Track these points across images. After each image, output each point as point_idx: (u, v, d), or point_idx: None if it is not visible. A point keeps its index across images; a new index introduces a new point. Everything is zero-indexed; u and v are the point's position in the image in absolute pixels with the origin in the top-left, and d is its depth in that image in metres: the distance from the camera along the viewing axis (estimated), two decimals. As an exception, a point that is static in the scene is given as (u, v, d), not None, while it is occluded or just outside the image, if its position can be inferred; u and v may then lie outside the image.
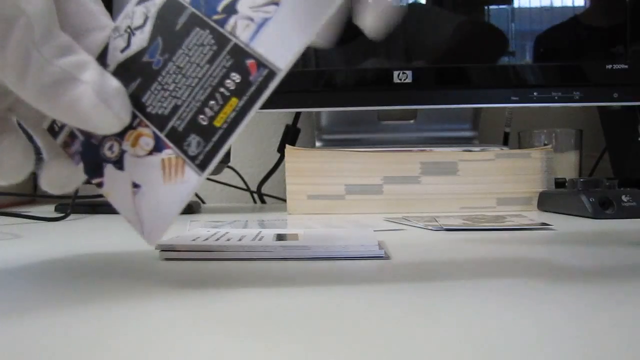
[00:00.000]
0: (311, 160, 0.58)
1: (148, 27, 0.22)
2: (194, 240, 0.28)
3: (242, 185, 0.88)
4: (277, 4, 0.20)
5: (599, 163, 0.86)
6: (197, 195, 0.85)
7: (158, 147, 0.21)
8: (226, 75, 0.20)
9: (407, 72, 0.61)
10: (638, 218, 0.45)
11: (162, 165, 0.21)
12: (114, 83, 0.21)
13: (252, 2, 0.21)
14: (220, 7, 0.21)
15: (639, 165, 0.72)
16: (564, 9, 0.65)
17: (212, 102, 0.20)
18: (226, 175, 0.85)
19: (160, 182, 0.21)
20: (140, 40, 0.22)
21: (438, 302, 0.18)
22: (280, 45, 0.20)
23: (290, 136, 0.81)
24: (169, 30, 0.22)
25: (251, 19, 0.20)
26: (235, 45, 0.20)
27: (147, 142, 0.21)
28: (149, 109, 0.22)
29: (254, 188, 0.87)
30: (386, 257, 0.27)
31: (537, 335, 0.14)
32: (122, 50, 0.23)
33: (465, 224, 0.41)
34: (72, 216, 0.52)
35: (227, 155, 0.68)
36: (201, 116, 0.21)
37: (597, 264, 0.24)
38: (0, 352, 0.13)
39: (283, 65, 0.20)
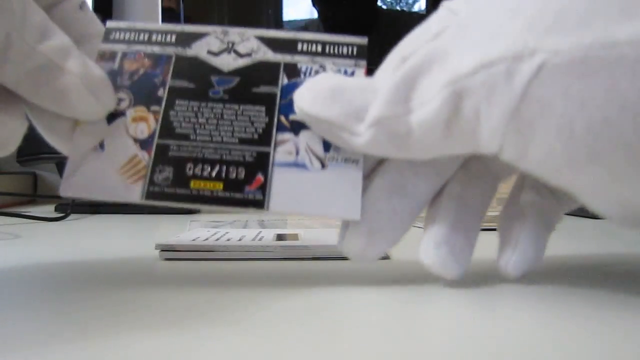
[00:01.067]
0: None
1: (241, 62, 0.22)
2: (194, 240, 0.28)
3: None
4: (323, 166, 0.20)
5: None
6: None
7: (143, 143, 0.21)
8: (238, 164, 0.20)
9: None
10: (638, 218, 0.45)
11: (130, 157, 0.20)
12: (99, 72, 0.20)
13: (311, 143, 0.21)
14: (291, 117, 0.21)
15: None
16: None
17: (206, 166, 0.20)
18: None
19: (118, 166, 0.20)
20: (227, 61, 0.22)
21: (438, 302, 0.18)
22: (293, 203, 0.20)
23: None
24: (249, 83, 0.22)
25: (296, 154, 0.20)
26: (267, 154, 0.20)
27: (143, 130, 0.21)
28: (171, 112, 0.21)
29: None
30: (386, 257, 0.27)
31: (537, 335, 0.14)
32: (208, 52, 0.22)
33: (465, 223, 0.40)
34: (72, 216, 0.52)
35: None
36: (189, 165, 0.20)
37: (596, 264, 0.24)
38: None
39: (274, 209, 0.20)
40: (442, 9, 0.21)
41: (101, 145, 0.21)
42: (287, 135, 0.21)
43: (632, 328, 0.15)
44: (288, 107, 0.21)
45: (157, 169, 0.20)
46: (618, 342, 0.14)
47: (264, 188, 0.20)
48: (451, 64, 0.17)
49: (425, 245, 0.20)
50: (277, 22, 0.69)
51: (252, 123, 0.21)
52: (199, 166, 0.20)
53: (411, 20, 0.66)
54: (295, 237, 0.30)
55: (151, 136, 0.21)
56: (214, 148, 0.20)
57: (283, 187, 0.20)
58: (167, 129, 0.21)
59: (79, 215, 0.55)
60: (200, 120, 0.21)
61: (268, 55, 0.22)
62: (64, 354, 0.13)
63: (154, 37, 0.23)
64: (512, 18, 0.16)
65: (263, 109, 0.21)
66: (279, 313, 0.17)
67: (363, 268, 0.24)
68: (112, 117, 0.21)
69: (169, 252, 0.27)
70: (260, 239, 0.29)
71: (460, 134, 0.17)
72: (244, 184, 0.20)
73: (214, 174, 0.20)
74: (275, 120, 0.21)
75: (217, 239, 0.29)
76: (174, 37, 0.23)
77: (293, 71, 0.22)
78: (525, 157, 0.17)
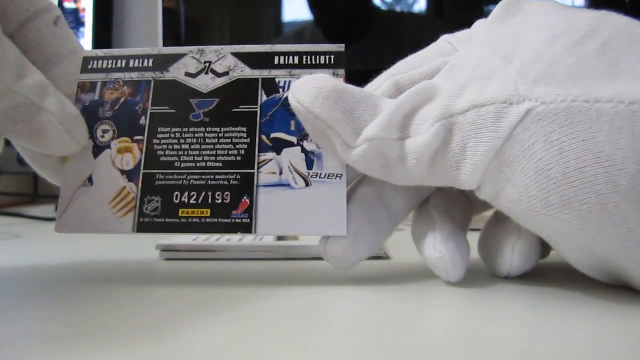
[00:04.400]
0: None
1: (219, 81, 0.22)
2: (194, 240, 0.29)
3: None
4: (307, 183, 0.20)
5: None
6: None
7: (130, 175, 0.21)
8: (223, 188, 0.20)
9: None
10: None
11: (119, 190, 0.21)
12: (73, 110, 0.21)
13: (294, 161, 0.21)
14: (273, 136, 0.21)
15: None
16: (563, 9, 0.65)
17: (193, 193, 0.20)
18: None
19: (107, 200, 0.21)
20: (206, 82, 0.22)
21: (438, 302, 0.18)
22: (279, 223, 0.20)
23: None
24: (228, 102, 0.22)
25: (279, 173, 0.20)
26: (251, 175, 0.20)
27: (129, 161, 0.21)
28: (154, 141, 0.21)
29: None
30: (386, 257, 0.27)
31: (536, 334, 0.14)
32: (186, 74, 0.22)
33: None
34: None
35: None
36: (176, 193, 0.20)
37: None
38: None
39: (261, 231, 0.20)
40: (441, 41, 0.22)
41: (90, 180, 0.21)
42: (270, 155, 0.21)
43: (631, 327, 0.15)
44: (269, 126, 0.21)
45: (146, 199, 0.20)
46: (617, 340, 0.14)
47: (250, 211, 0.20)
48: (446, 100, 0.18)
49: (432, 241, 0.20)
50: (277, 22, 0.69)
51: (234, 145, 0.21)
52: (186, 194, 0.20)
53: (411, 20, 0.66)
54: (295, 237, 0.30)
55: (137, 166, 0.21)
56: (199, 174, 0.21)
57: (269, 208, 0.20)
58: (151, 158, 0.21)
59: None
60: (184, 146, 0.21)
61: (245, 72, 0.22)
62: (64, 354, 0.13)
63: (131, 63, 0.23)
64: (507, 64, 0.17)
65: (244, 129, 0.21)
66: (279, 312, 0.17)
67: (363, 268, 0.24)
68: (98, 150, 0.21)
69: (170, 252, 0.27)
70: (260, 239, 0.29)
71: (443, 168, 0.18)
72: (230, 208, 0.20)
73: (200, 200, 0.20)
74: (257, 140, 0.21)
75: (217, 239, 0.29)
76: (150, 61, 0.23)
77: (271, 86, 0.22)
78: (502, 196, 0.17)
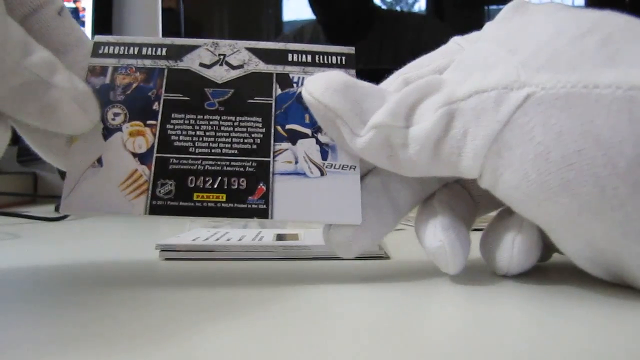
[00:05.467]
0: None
1: (234, 73, 0.22)
2: (194, 240, 0.28)
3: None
4: (322, 173, 0.21)
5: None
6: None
7: (142, 158, 0.21)
8: (239, 174, 0.20)
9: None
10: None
11: (131, 172, 0.20)
12: (84, 86, 0.20)
13: (309, 151, 0.21)
14: (288, 127, 0.21)
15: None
16: (563, 9, 0.65)
17: (208, 178, 0.20)
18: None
19: (118, 182, 0.20)
20: (220, 73, 0.22)
21: (438, 302, 0.18)
22: (295, 210, 0.20)
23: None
24: (243, 94, 0.22)
25: (295, 162, 0.21)
26: (267, 163, 0.21)
27: (141, 144, 0.21)
28: (168, 126, 0.21)
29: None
30: (386, 257, 0.27)
31: (537, 333, 0.14)
32: (201, 64, 0.22)
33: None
34: (71, 216, 0.52)
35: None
36: (191, 177, 0.20)
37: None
38: None
39: (278, 217, 0.20)
40: (451, 43, 0.23)
41: (99, 162, 0.21)
42: (285, 145, 0.21)
43: (632, 326, 0.15)
44: (284, 117, 0.21)
45: (159, 182, 0.20)
46: (617, 338, 0.14)
47: (266, 197, 0.20)
48: (449, 88, 0.18)
49: (433, 230, 0.20)
50: (277, 22, 0.69)
51: (250, 134, 0.21)
52: (201, 178, 0.20)
53: (411, 20, 0.66)
54: (295, 237, 0.30)
55: (150, 150, 0.21)
56: (214, 160, 0.21)
57: (285, 195, 0.20)
58: (165, 142, 0.21)
59: (79, 215, 0.55)
60: (198, 132, 0.21)
61: (260, 66, 0.22)
62: (64, 355, 0.13)
63: (144, 51, 0.22)
64: (511, 56, 0.18)
65: (260, 119, 0.21)
66: (279, 312, 0.17)
67: (363, 268, 0.24)
68: (109, 132, 0.21)
69: (169, 252, 0.27)
70: (260, 239, 0.29)
71: (446, 155, 0.18)
72: (246, 194, 0.20)
73: (216, 185, 0.20)
74: (272, 130, 0.21)
75: (217, 239, 0.29)
76: (164, 51, 0.22)
77: (285, 81, 0.22)
78: (501, 182, 0.18)
